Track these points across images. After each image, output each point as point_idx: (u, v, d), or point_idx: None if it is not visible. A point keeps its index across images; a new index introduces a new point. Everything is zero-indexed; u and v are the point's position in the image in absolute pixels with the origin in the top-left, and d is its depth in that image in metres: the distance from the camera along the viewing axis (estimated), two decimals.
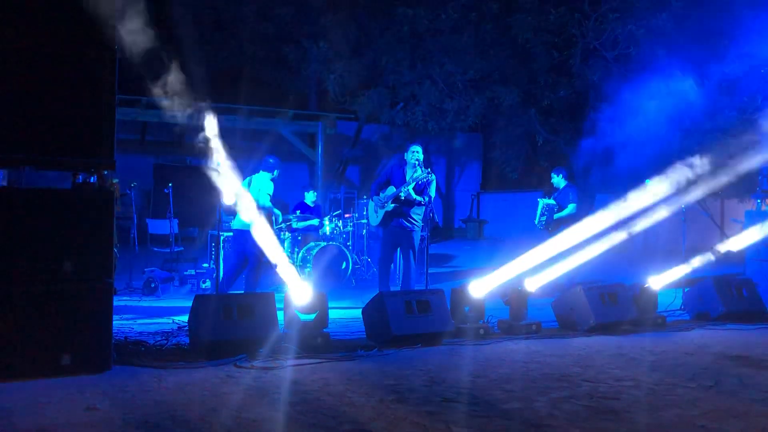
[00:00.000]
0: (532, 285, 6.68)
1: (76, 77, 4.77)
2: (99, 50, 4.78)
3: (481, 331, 6.22)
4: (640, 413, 4.04)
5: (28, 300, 4.56)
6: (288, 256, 9.91)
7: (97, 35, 4.77)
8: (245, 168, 7.99)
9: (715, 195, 19.61)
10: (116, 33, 4.81)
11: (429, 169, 7.55)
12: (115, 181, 7.85)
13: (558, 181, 9.58)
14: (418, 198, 7.51)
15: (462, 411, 4.07)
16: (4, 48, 4.61)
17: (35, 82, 4.68)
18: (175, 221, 10.18)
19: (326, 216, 11.01)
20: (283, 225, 10.23)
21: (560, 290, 7.47)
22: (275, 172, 8.02)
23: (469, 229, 21.76)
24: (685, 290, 7.87)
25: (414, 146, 7.73)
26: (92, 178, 4.88)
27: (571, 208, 9.25)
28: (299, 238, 10.32)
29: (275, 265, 6.26)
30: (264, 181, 7.95)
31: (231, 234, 8.44)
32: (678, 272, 7.49)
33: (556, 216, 9.25)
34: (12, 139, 4.66)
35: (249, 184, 7.95)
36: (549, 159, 17.00)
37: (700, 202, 17.72)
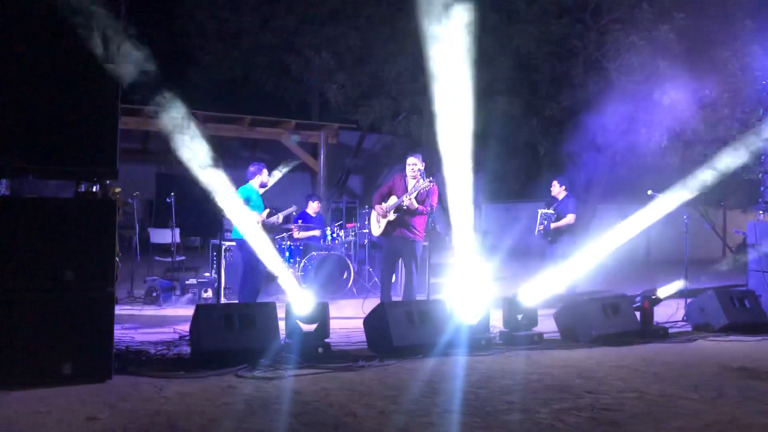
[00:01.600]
0: (526, 294, 6.65)
1: (80, 86, 4.80)
2: (102, 60, 4.80)
3: (483, 342, 6.20)
4: (642, 425, 4.02)
5: (29, 308, 4.57)
6: (289, 265, 9.90)
7: (101, 45, 4.79)
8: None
9: (717, 206, 19.70)
10: (120, 43, 4.84)
11: (431, 179, 7.54)
12: (118, 190, 7.83)
13: (558, 191, 9.57)
14: (420, 207, 7.50)
15: (463, 422, 4.05)
16: (8, 58, 4.64)
17: (38, 91, 4.71)
18: (177, 230, 10.20)
19: (328, 226, 11.02)
20: (284, 234, 10.23)
21: (562, 301, 7.44)
22: (257, 178, 7.80)
23: None
24: (688, 302, 7.85)
25: (411, 158, 7.69)
26: (95, 187, 4.89)
27: (569, 218, 9.24)
28: (301, 247, 10.31)
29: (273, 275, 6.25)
30: (242, 192, 7.70)
31: (234, 243, 8.42)
32: (680, 284, 7.46)
33: (553, 225, 9.24)
34: (15, 148, 4.68)
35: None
36: (550, 169, 17.01)
37: (703, 214, 17.75)
